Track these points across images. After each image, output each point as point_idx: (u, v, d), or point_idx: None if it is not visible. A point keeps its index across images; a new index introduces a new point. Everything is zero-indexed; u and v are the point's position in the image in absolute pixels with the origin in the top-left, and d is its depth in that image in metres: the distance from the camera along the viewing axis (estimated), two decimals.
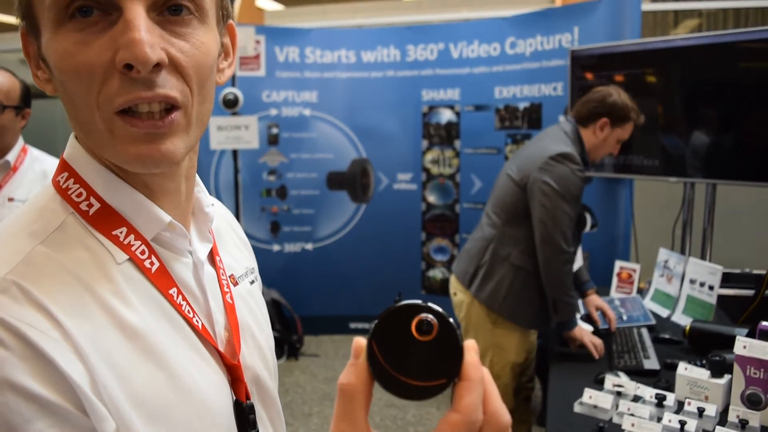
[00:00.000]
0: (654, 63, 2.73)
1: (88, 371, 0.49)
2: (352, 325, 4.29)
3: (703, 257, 2.62)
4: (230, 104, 3.33)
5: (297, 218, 4.23)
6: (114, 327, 0.53)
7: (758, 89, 2.37)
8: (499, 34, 3.78)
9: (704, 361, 1.64)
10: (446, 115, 4.03)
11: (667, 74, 2.71)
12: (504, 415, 0.41)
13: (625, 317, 2.32)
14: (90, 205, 0.57)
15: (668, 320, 2.33)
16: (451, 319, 0.40)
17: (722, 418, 1.47)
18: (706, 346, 1.82)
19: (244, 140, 3.41)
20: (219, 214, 0.77)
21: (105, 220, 0.57)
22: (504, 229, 2.19)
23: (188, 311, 0.60)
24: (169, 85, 0.53)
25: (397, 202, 4.16)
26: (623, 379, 1.71)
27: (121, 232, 0.58)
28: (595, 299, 2.29)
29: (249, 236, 0.84)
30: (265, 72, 4.06)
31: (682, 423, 1.40)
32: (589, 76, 2.97)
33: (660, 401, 1.55)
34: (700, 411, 1.47)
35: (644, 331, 2.15)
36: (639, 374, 1.81)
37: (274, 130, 4.14)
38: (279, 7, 7.83)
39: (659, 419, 1.45)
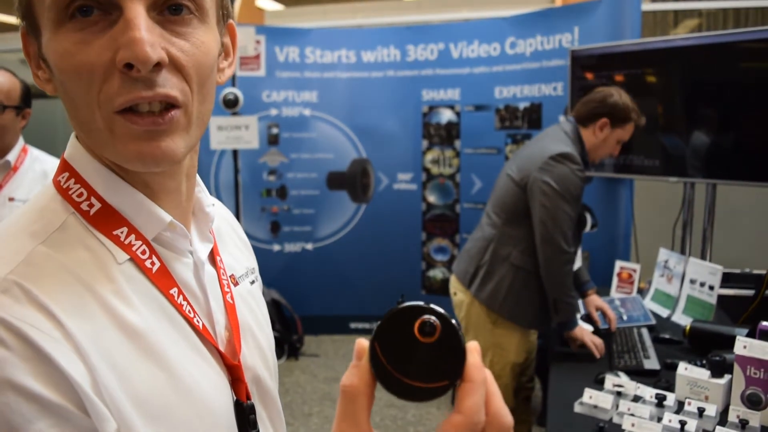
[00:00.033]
0: (654, 63, 2.73)
1: (89, 371, 0.49)
2: (352, 325, 4.29)
3: (703, 257, 2.62)
4: (230, 104, 3.33)
5: (297, 218, 4.23)
6: (115, 327, 0.53)
7: (758, 89, 2.37)
8: (499, 34, 3.79)
9: (704, 361, 1.64)
10: (446, 115, 4.03)
11: (667, 74, 2.71)
12: (506, 416, 0.41)
13: (625, 317, 2.32)
14: (91, 205, 0.57)
15: (668, 320, 2.33)
16: (454, 321, 0.40)
17: (722, 418, 1.47)
18: (707, 346, 1.82)
19: (244, 140, 3.41)
20: (219, 214, 0.77)
21: (106, 220, 0.57)
22: (504, 229, 2.19)
23: (189, 311, 0.60)
24: (169, 85, 0.53)
25: (398, 202, 4.17)
26: (623, 379, 1.71)
27: (121, 232, 0.57)
28: (595, 299, 2.29)
29: (249, 236, 0.84)
30: (265, 72, 4.06)
31: (683, 423, 1.40)
32: (589, 76, 2.97)
33: (660, 401, 1.55)
34: (701, 411, 1.47)
35: (644, 331, 2.15)
36: (639, 374, 1.81)
37: (275, 130, 4.14)
38: (279, 7, 7.84)
39: (659, 419, 1.45)
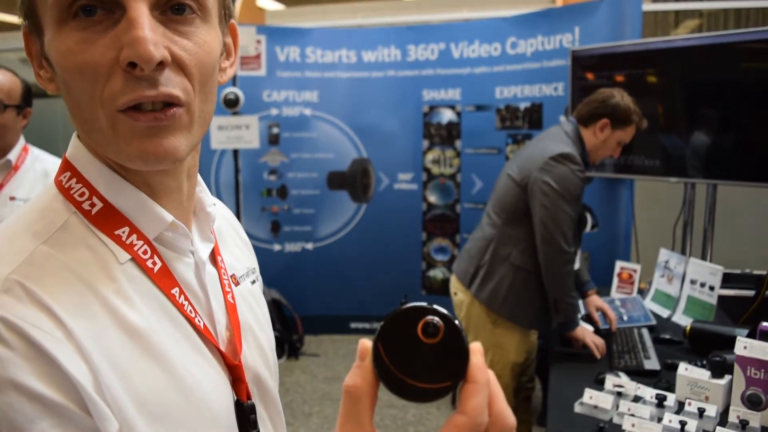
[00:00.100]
0: (654, 63, 2.73)
1: (91, 371, 0.49)
2: (353, 325, 4.29)
3: (703, 257, 2.62)
4: (231, 104, 3.33)
5: (297, 218, 4.23)
6: (116, 327, 0.53)
7: (759, 89, 2.37)
8: (499, 34, 3.79)
9: (705, 362, 1.64)
10: (447, 115, 4.03)
11: (667, 74, 2.71)
12: (509, 417, 0.41)
13: (625, 317, 2.32)
14: (92, 205, 0.57)
15: (669, 320, 2.33)
16: (457, 322, 0.40)
17: (722, 419, 1.47)
18: (707, 347, 1.82)
19: (245, 140, 3.40)
20: (220, 214, 0.77)
21: (107, 219, 0.57)
22: (504, 229, 2.19)
23: (190, 311, 0.60)
24: (172, 84, 0.53)
25: (398, 202, 4.17)
26: (624, 379, 1.71)
27: (123, 232, 0.57)
28: (595, 300, 2.29)
29: (249, 236, 0.84)
30: (266, 72, 4.06)
31: (683, 423, 1.40)
32: (589, 76, 2.97)
33: (660, 402, 1.55)
34: (701, 411, 1.47)
35: (645, 332, 2.15)
36: (639, 374, 1.82)
37: (275, 130, 4.14)
38: (280, 6, 7.84)
39: (660, 420, 1.45)
